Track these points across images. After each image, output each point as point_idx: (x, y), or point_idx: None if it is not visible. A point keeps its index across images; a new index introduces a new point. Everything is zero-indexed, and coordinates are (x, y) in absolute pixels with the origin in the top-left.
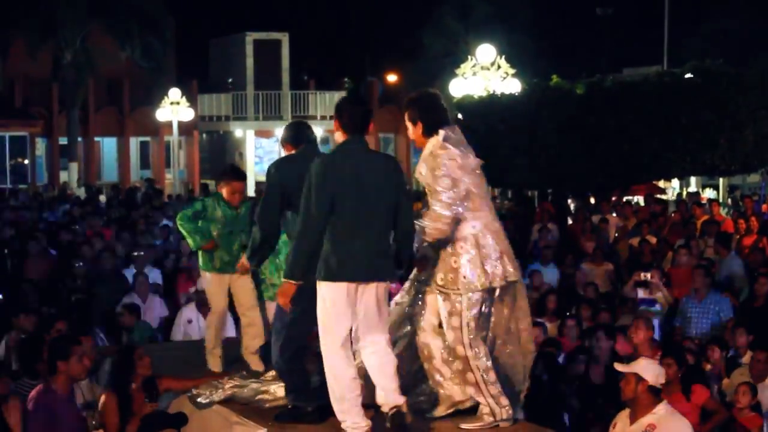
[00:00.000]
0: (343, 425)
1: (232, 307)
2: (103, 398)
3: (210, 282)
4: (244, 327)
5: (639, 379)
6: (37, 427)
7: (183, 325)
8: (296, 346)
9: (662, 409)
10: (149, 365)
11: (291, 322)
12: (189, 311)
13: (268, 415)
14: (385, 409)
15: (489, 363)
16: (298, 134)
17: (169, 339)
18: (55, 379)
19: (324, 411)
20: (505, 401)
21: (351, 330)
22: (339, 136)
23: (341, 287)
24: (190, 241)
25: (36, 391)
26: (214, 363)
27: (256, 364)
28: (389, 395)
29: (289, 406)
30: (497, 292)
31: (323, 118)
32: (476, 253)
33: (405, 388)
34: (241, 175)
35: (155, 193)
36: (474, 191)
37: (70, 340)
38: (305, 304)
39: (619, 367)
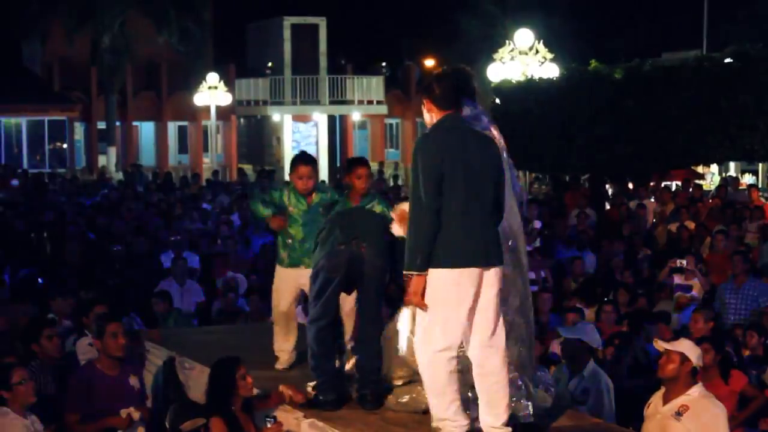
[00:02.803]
0: (438, 423)
1: None
2: (212, 425)
3: (277, 276)
4: None
5: (684, 359)
6: (72, 399)
7: None
8: (316, 328)
9: (696, 391)
10: (252, 387)
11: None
12: None
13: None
14: None
15: None
16: None
17: (205, 324)
18: (99, 357)
19: (340, 401)
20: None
21: (462, 320)
22: (432, 117)
23: (454, 274)
24: (262, 212)
25: (81, 366)
26: (282, 362)
27: None
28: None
29: (312, 391)
30: None
31: (360, 102)
32: None
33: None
34: (307, 159)
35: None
36: None
37: (102, 320)
38: (317, 286)
39: (662, 344)
